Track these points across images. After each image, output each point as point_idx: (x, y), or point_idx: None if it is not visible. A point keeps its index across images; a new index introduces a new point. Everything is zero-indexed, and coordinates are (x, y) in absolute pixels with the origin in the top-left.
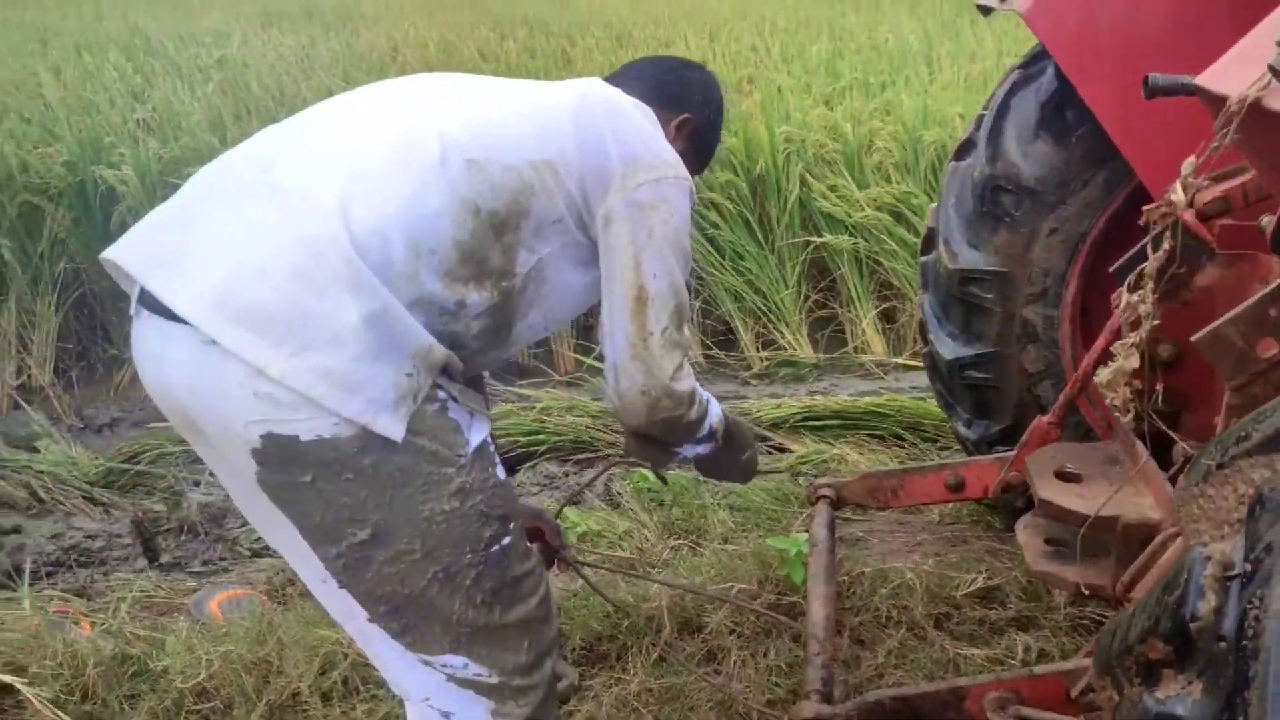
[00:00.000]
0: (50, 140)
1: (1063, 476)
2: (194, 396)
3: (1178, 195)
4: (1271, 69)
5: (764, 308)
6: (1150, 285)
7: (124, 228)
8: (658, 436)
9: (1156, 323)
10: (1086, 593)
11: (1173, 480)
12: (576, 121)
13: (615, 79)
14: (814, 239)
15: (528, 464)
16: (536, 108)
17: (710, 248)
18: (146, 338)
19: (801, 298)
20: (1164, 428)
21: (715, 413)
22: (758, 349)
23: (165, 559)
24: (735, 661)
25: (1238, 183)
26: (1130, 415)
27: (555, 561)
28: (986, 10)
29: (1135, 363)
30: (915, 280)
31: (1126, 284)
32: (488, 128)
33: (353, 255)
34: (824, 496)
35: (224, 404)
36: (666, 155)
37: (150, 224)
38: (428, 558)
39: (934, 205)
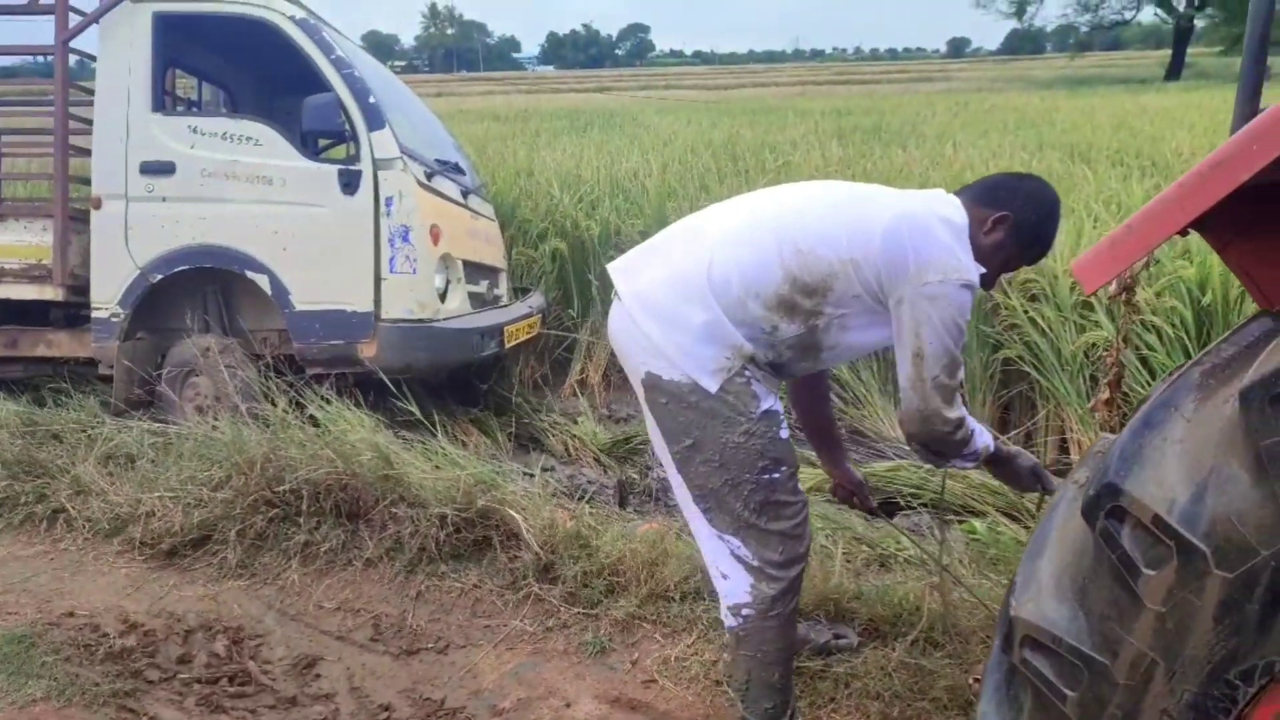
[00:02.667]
0: (638, 214)
1: None
2: (620, 344)
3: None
4: None
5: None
6: (1118, 342)
7: None
8: (932, 448)
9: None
10: None
11: None
12: (884, 232)
13: (961, 189)
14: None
15: (902, 511)
16: (860, 217)
17: (1142, 368)
18: (613, 308)
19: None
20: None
21: (984, 440)
22: None
23: (630, 509)
24: (976, 659)
25: None
26: (1108, 432)
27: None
28: None
29: (1106, 395)
30: None
31: (1106, 344)
32: (820, 227)
33: (706, 286)
34: None
35: (630, 349)
36: (953, 263)
37: (635, 249)
38: (723, 468)
39: None
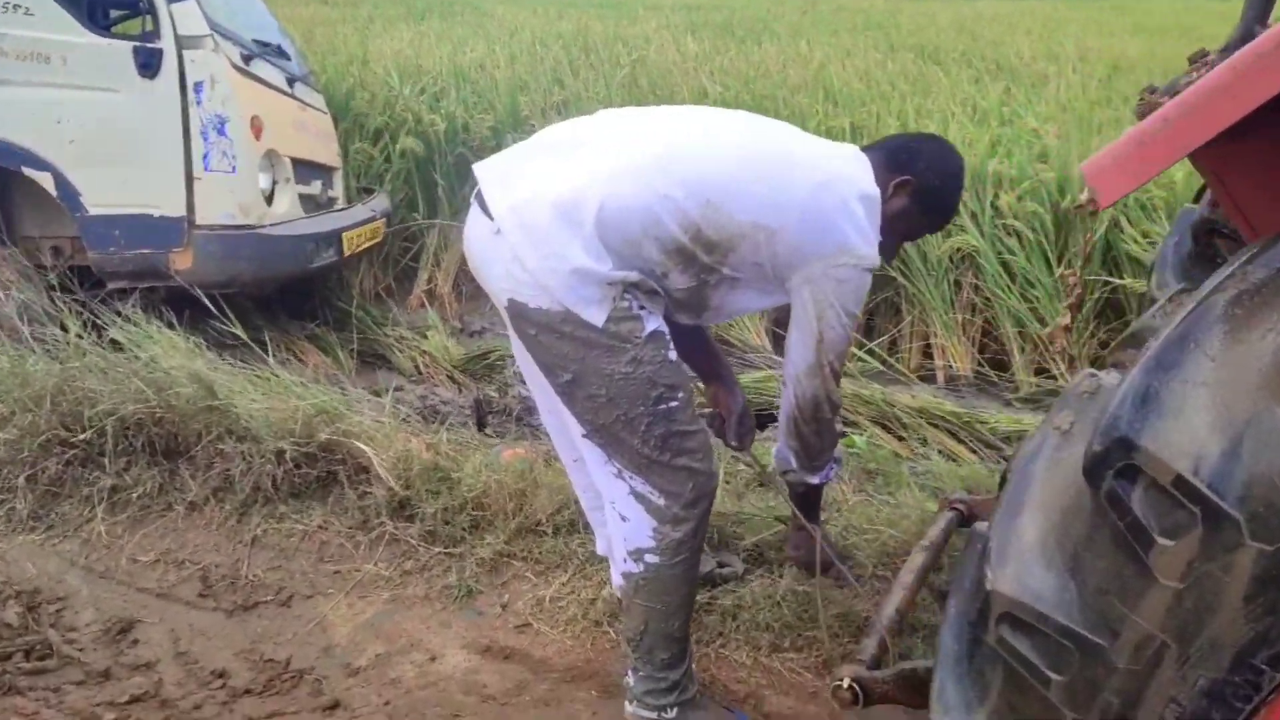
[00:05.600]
0: (489, 109)
1: None
2: (479, 263)
3: (1084, 195)
4: (1135, 110)
5: (1044, 337)
6: (1080, 263)
7: None
8: (813, 439)
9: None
10: None
11: None
12: (806, 205)
13: (866, 146)
14: (1113, 279)
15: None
16: (780, 181)
17: (1003, 272)
18: (471, 217)
19: (1087, 334)
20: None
21: (838, 456)
22: (1029, 374)
23: (488, 431)
24: (870, 589)
25: None
26: (1067, 364)
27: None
28: None
29: (1067, 320)
30: None
31: (1064, 267)
32: (733, 183)
33: (594, 221)
34: (955, 509)
35: (493, 271)
36: (866, 247)
37: (506, 153)
38: (611, 402)
39: (1160, 243)
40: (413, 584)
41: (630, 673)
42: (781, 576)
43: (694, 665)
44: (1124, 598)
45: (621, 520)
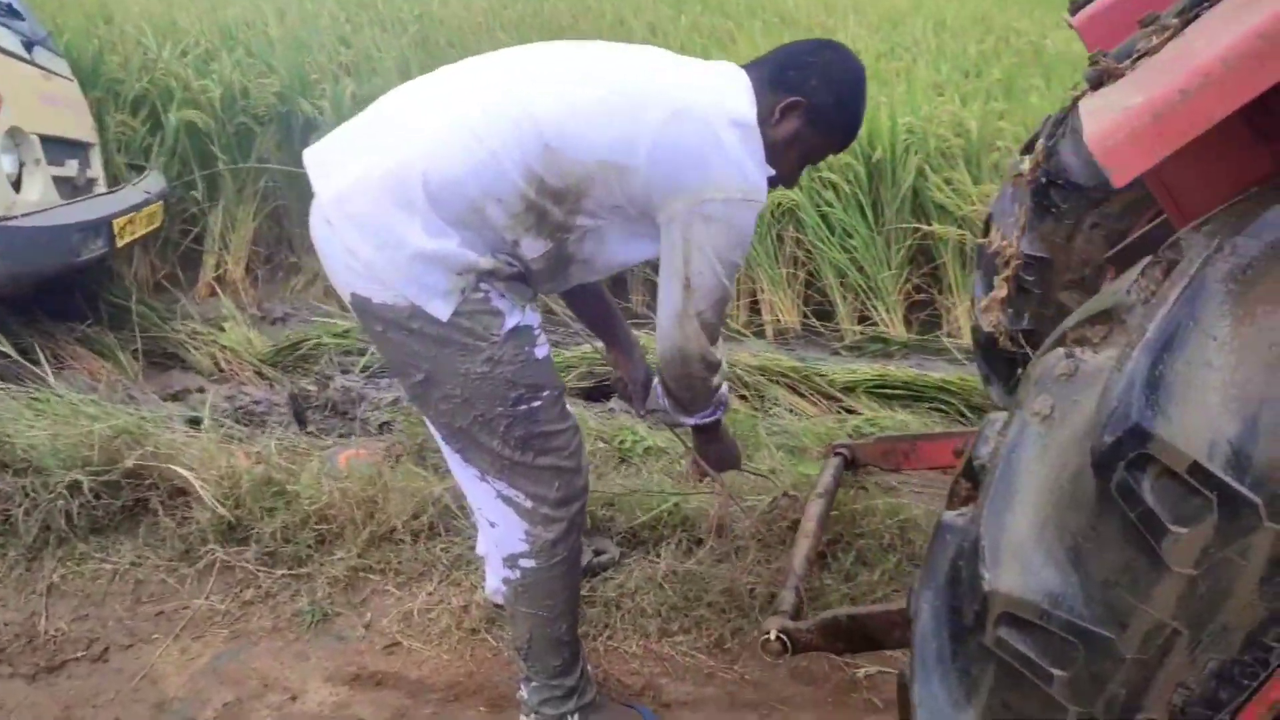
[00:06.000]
0: (268, 72)
1: None
2: (321, 255)
3: (1025, 165)
4: (1084, 75)
5: (865, 285)
6: (1016, 233)
7: None
8: (682, 393)
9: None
10: None
11: None
12: (659, 137)
13: (751, 63)
14: (923, 226)
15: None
16: (627, 112)
17: (822, 224)
18: (312, 207)
19: (902, 280)
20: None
21: (725, 391)
22: (853, 322)
23: (311, 428)
24: (753, 560)
25: None
26: (1003, 337)
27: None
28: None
29: (1004, 292)
30: None
31: (993, 228)
32: (571, 121)
33: (422, 191)
34: (839, 454)
35: (332, 265)
36: (738, 178)
37: (335, 134)
38: (467, 403)
39: (995, 194)
40: (256, 615)
41: (523, 684)
42: (659, 556)
43: (588, 665)
44: (1133, 589)
45: (491, 526)
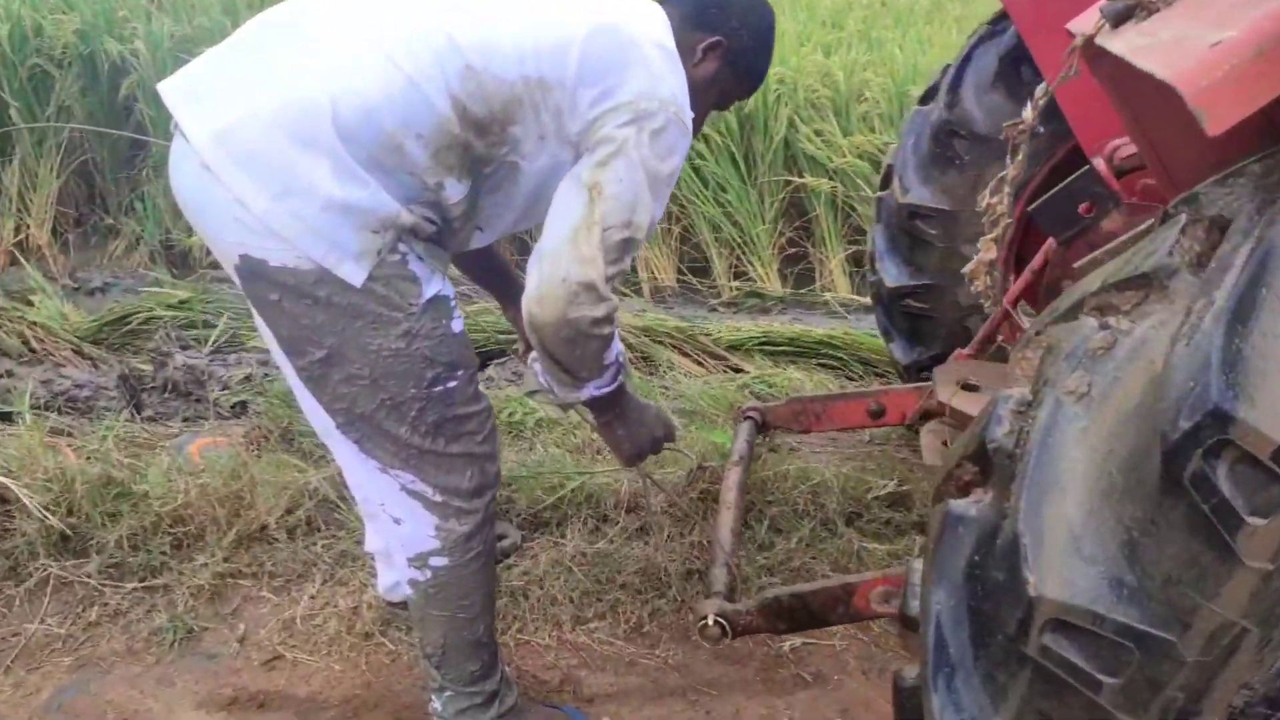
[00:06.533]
0: (65, 9)
1: (965, 387)
2: (193, 210)
3: (1028, 114)
4: (1101, 10)
5: (739, 240)
6: (1006, 191)
7: (130, 99)
8: (565, 353)
9: (1010, 222)
10: None
11: None
12: (584, 48)
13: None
14: (795, 179)
15: (498, 360)
16: (552, 27)
17: (695, 177)
18: (174, 152)
19: (776, 234)
20: (1015, 312)
21: (620, 348)
22: (729, 278)
23: (149, 413)
24: (666, 537)
25: None
26: (989, 302)
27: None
28: None
29: (993, 254)
30: None
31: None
32: (493, 38)
33: (331, 125)
34: (750, 417)
35: (213, 222)
36: (666, 94)
37: (199, 61)
38: (375, 385)
39: (895, 145)
40: (105, 638)
41: (435, 695)
42: (566, 538)
43: (506, 666)
44: (1199, 586)
45: (395, 524)
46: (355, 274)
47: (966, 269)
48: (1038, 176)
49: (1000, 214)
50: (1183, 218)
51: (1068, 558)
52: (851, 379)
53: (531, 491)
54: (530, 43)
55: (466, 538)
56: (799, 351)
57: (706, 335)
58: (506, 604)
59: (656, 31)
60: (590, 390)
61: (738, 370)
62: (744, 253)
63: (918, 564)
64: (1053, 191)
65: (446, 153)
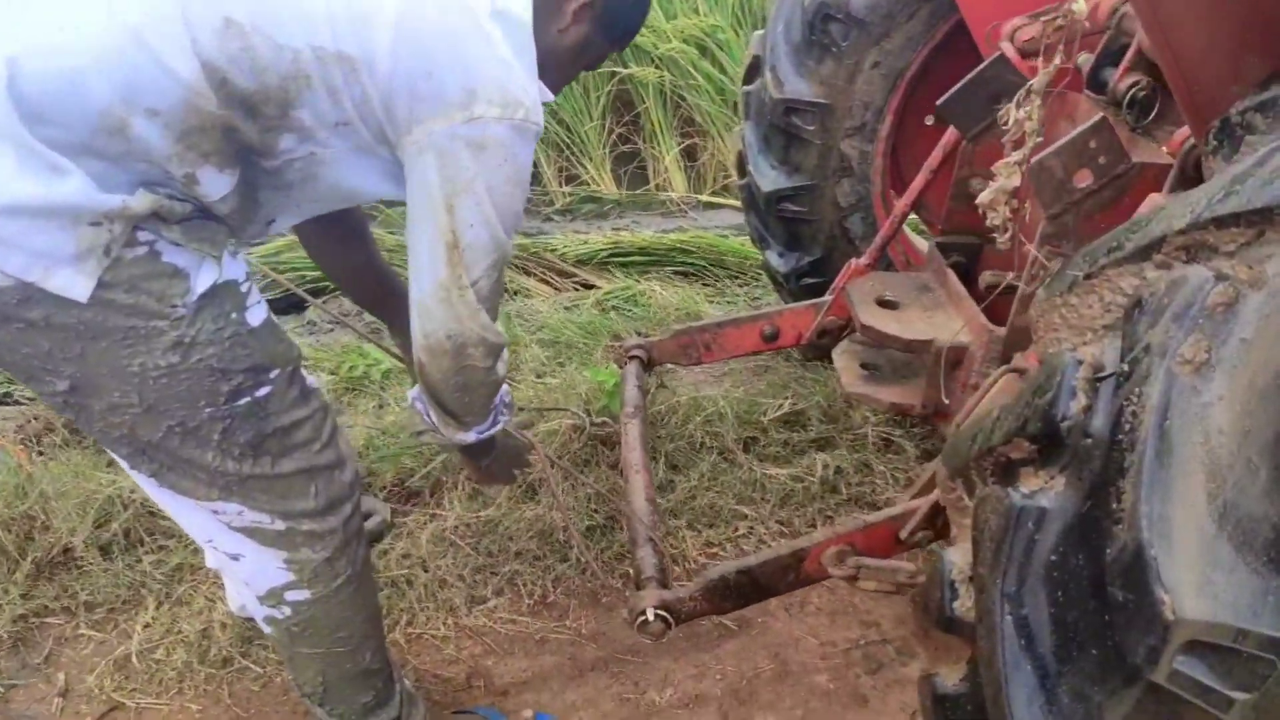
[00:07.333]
0: None
1: (882, 304)
2: None
3: (1080, 5)
4: None
5: (567, 141)
6: (1038, 101)
7: None
8: (456, 400)
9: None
10: (897, 412)
11: (987, 307)
12: (403, 22)
13: None
14: (619, 70)
15: (322, 298)
16: None
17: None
18: None
19: (606, 132)
20: (1027, 241)
21: (505, 389)
22: (560, 184)
23: None
24: (562, 490)
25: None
26: (1007, 235)
27: None
28: None
29: (1016, 181)
30: (719, 117)
31: (1015, 100)
32: None
33: (6, 98)
34: (635, 357)
35: None
36: (517, 93)
37: None
38: (153, 412)
39: (759, 32)
40: None
41: None
42: (445, 508)
43: (404, 679)
44: None
45: (232, 560)
46: (76, 285)
47: (983, 198)
48: (914, 64)
49: (1029, 131)
50: None
51: (1204, 568)
52: (708, 285)
53: (397, 460)
54: (323, 4)
55: (329, 563)
56: (651, 260)
57: (551, 251)
58: (389, 596)
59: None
60: (474, 435)
61: (588, 286)
62: (574, 155)
63: (955, 556)
64: (961, 83)
65: (198, 137)
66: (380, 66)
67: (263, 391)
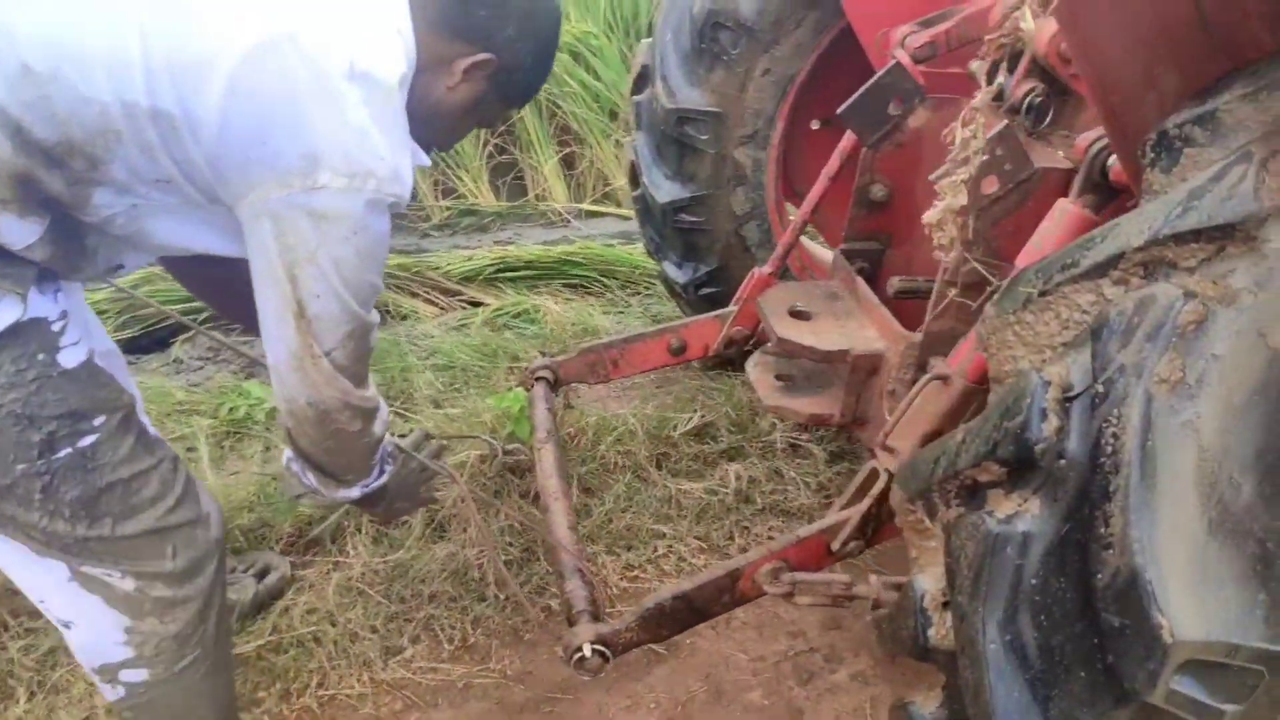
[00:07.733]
0: None
1: (795, 315)
2: None
3: (1028, 24)
4: None
5: (442, 152)
6: (983, 120)
7: None
8: (331, 461)
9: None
10: (816, 424)
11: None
12: (237, 80)
13: None
14: None
15: (184, 336)
16: (182, 34)
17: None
18: None
19: (481, 143)
20: (982, 269)
21: (388, 439)
22: (437, 198)
23: None
24: (469, 527)
25: (942, 29)
26: (952, 254)
27: None
28: None
29: (964, 199)
30: (595, 124)
31: (960, 120)
32: (74, 38)
33: None
34: (542, 379)
35: None
36: (369, 162)
37: None
38: None
39: (647, 40)
40: None
41: None
42: (349, 554)
43: None
44: None
45: (65, 628)
46: None
47: (930, 217)
48: (803, 71)
49: (976, 149)
50: (1253, 153)
51: (1197, 587)
52: (600, 297)
53: (292, 509)
54: (139, 54)
55: (175, 640)
56: (540, 274)
57: (434, 269)
58: (296, 657)
59: (363, 54)
60: (359, 490)
61: (475, 304)
62: (449, 166)
63: (926, 582)
64: (860, 91)
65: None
66: (206, 127)
67: (86, 442)
